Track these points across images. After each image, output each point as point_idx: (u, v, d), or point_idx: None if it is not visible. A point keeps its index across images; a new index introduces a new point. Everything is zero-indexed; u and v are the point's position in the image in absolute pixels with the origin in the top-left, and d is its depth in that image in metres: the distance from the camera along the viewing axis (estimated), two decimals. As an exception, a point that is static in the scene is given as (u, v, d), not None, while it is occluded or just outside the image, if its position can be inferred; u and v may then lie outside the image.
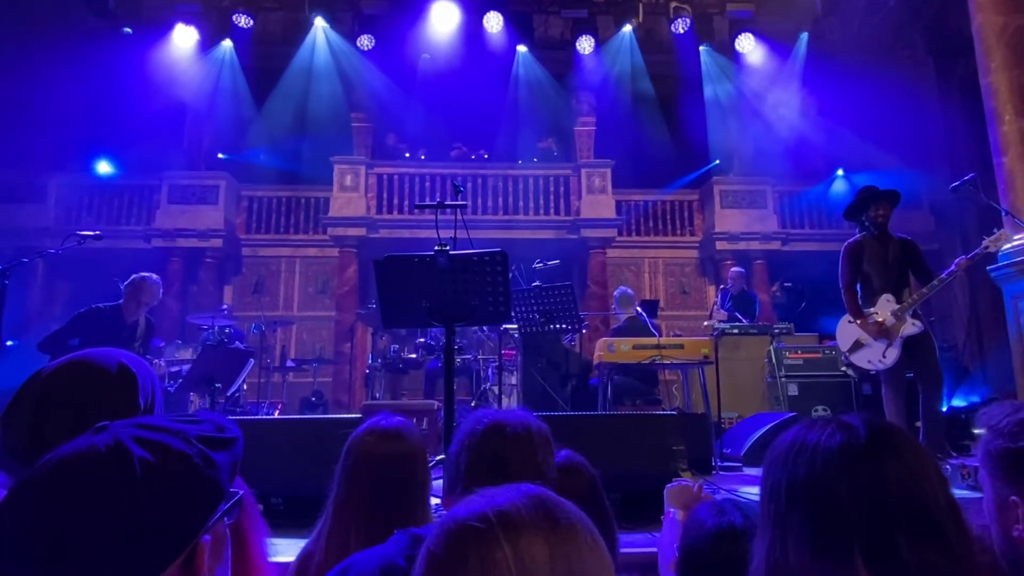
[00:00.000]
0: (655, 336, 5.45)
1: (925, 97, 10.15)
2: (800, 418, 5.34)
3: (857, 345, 4.36)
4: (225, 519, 0.73)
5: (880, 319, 4.26)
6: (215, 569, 0.72)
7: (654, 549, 1.63)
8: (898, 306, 4.25)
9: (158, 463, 0.65)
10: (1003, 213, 4.76)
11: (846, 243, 4.53)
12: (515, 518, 0.60)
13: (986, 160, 5.48)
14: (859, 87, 10.03)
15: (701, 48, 11.45)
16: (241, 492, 0.76)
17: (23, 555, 0.61)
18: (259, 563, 0.93)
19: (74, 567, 0.60)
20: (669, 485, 1.73)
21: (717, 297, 8.26)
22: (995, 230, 4.24)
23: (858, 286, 4.48)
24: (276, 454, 2.91)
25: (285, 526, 2.54)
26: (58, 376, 1.10)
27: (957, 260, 4.17)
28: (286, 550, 2.15)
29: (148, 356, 5.04)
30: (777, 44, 11.19)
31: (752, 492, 3.36)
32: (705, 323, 8.01)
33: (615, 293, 6.48)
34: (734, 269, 8.39)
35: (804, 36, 11.42)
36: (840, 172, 11.15)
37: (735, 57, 11.29)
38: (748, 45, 11.07)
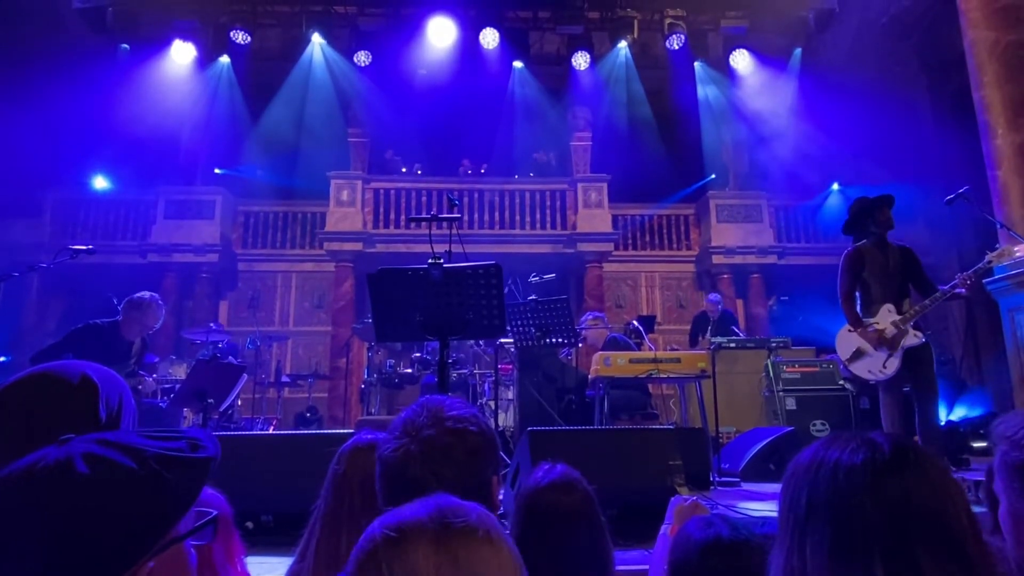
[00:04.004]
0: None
1: (919, 111, 10.22)
2: (798, 433, 5.30)
3: (858, 354, 4.30)
4: (191, 540, 0.69)
5: (880, 328, 4.22)
6: None
7: (648, 566, 1.60)
8: (899, 317, 4.21)
9: (94, 482, 0.62)
10: (997, 225, 4.76)
11: (845, 252, 4.49)
12: (404, 530, 0.66)
13: (980, 173, 5.50)
14: (853, 102, 10.09)
15: (696, 64, 11.53)
16: (215, 512, 0.72)
17: None
18: None
19: None
20: (681, 502, 1.69)
21: (703, 337, 8.08)
22: (997, 245, 4.22)
23: (857, 295, 4.44)
24: (266, 471, 2.87)
25: (276, 544, 2.50)
26: (12, 389, 1.07)
27: (959, 275, 4.14)
28: (275, 568, 2.11)
29: (142, 373, 4.98)
30: (771, 60, 11.28)
31: (751, 507, 3.33)
32: (702, 338, 7.99)
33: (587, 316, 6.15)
34: (711, 297, 8.50)
35: (798, 52, 11.53)
36: (835, 186, 11.21)
37: (729, 73, 11.38)
38: (742, 61, 11.16)
